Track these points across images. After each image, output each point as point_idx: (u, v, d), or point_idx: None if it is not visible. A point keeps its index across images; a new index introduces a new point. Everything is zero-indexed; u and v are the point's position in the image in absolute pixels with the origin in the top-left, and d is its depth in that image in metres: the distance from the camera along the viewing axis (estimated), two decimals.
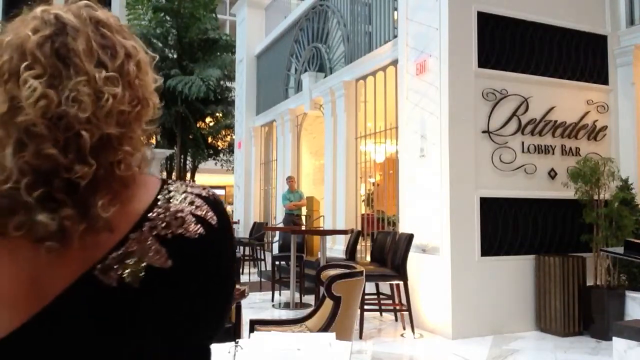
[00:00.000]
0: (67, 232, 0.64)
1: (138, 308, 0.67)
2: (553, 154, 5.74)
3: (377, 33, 7.58)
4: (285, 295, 7.20)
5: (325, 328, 2.78)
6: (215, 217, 0.74)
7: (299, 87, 10.00)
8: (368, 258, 7.20)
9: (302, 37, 10.13)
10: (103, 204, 0.67)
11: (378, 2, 7.62)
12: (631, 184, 5.52)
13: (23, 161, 0.63)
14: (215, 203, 0.76)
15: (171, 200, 0.72)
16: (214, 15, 16.20)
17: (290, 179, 9.45)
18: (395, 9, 6.90)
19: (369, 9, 7.94)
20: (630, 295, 5.09)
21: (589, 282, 5.35)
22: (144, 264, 0.67)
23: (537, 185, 5.63)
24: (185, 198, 0.73)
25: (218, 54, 15.99)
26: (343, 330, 2.78)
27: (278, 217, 10.53)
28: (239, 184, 12.74)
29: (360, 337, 5.07)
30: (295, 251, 6.69)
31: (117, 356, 0.67)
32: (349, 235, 6.99)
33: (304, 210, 9.88)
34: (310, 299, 6.88)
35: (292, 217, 9.27)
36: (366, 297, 5.35)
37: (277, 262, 7.37)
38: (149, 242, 0.68)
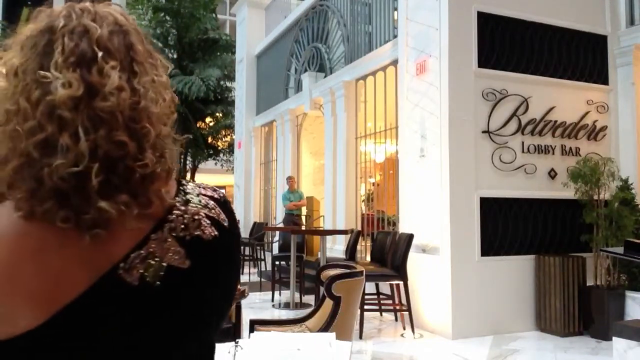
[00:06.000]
0: (117, 219, 0.66)
1: (158, 306, 0.69)
2: (553, 154, 5.74)
3: (377, 33, 7.58)
4: (285, 295, 7.20)
5: (325, 328, 2.78)
6: (226, 219, 0.78)
7: (299, 87, 10.00)
8: (368, 258, 7.20)
9: (302, 37, 10.13)
10: (162, 192, 0.71)
11: (378, 2, 7.62)
12: (631, 184, 5.52)
13: (94, 145, 0.65)
14: (225, 204, 0.80)
15: (189, 203, 0.75)
16: (214, 15, 16.20)
17: (290, 179, 9.45)
18: (395, 9, 6.90)
19: (369, 9, 7.94)
20: (630, 295, 5.09)
21: (589, 282, 5.35)
22: (165, 264, 0.69)
23: (537, 185, 5.63)
24: (200, 201, 0.77)
25: (218, 54, 15.98)
26: (343, 330, 2.78)
27: (278, 217, 10.53)
28: (239, 184, 12.75)
29: (360, 337, 5.07)
30: (295, 251, 6.69)
31: (138, 353, 0.69)
32: (349, 235, 6.99)
33: (304, 210, 9.88)
34: (310, 299, 6.88)
35: (292, 217, 9.27)
36: (366, 297, 5.35)
37: (277, 262, 7.37)
38: (169, 243, 0.71)
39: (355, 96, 8.05)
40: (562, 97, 5.82)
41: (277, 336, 2.09)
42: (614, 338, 3.79)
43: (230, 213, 0.80)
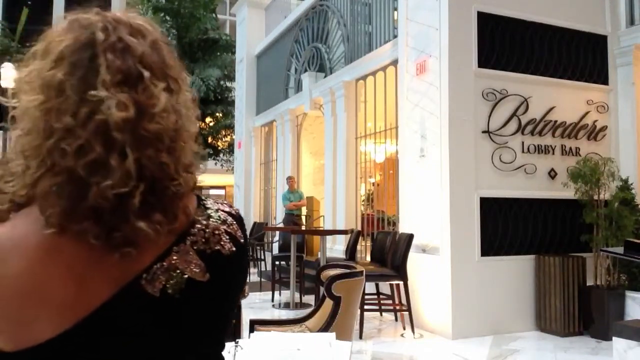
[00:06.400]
0: (148, 237, 0.66)
1: (176, 316, 0.70)
2: (553, 154, 5.74)
3: (377, 33, 7.58)
4: (285, 295, 7.20)
5: (325, 328, 2.77)
6: (242, 235, 0.80)
7: (299, 87, 10.00)
8: (368, 258, 7.20)
9: (302, 37, 10.13)
10: (189, 208, 0.73)
11: (378, 2, 7.62)
12: (631, 184, 5.51)
13: (139, 166, 0.64)
14: (240, 220, 0.83)
15: (210, 218, 0.77)
16: (214, 15, 16.22)
17: (290, 179, 9.45)
18: (395, 9, 6.90)
19: (369, 9, 7.94)
20: (630, 295, 5.09)
21: (589, 282, 5.35)
22: (186, 276, 0.70)
23: (537, 185, 5.63)
24: (219, 216, 0.79)
25: (218, 54, 16.00)
26: (343, 330, 2.78)
27: (278, 217, 10.53)
28: (239, 184, 12.75)
29: (360, 337, 5.07)
30: (295, 251, 6.68)
31: None
32: (349, 235, 6.99)
33: (304, 210, 9.88)
34: (310, 299, 6.87)
35: (292, 217, 9.27)
36: (366, 297, 5.35)
37: (277, 262, 7.37)
38: (190, 256, 0.72)
39: (355, 96, 8.05)
40: (562, 97, 5.81)
41: (277, 336, 2.09)
42: (614, 338, 3.79)
43: (244, 230, 0.82)
